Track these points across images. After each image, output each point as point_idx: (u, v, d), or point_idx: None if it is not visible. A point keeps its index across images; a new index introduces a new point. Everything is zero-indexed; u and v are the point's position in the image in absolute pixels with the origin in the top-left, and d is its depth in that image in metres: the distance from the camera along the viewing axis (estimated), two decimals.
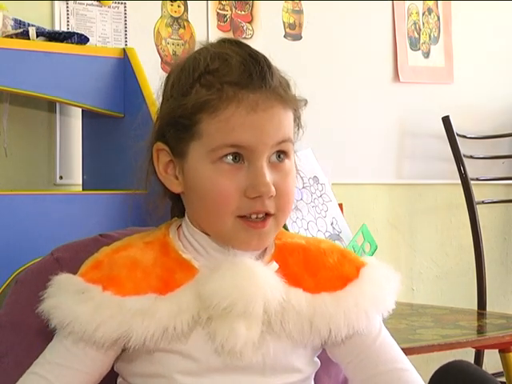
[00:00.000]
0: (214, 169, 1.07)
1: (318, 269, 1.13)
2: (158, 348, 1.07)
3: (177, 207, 1.18)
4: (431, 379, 1.06)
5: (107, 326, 1.04)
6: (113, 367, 1.14)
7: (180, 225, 1.16)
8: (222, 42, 1.12)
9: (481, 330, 2.35)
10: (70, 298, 1.07)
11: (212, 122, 1.06)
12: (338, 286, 1.11)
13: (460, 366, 1.04)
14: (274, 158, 1.09)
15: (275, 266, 1.10)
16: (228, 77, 1.07)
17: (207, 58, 1.09)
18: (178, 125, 1.09)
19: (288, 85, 1.12)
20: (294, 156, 1.13)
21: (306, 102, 1.15)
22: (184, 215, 1.16)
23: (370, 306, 1.11)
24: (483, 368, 3.17)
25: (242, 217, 1.07)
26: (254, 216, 1.07)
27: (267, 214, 1.08)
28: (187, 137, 1.09)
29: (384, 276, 1.15)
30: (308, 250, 1.15)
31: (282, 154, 1.10)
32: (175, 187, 1.13)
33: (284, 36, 2.99)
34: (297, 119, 1.14)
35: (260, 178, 1.06)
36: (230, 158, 1.07)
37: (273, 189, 1.06)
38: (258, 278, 1.05)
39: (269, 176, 1.07)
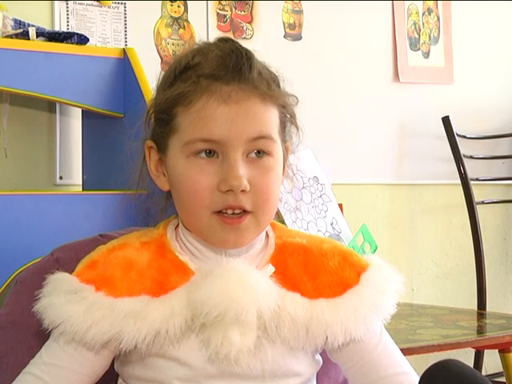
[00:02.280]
0: (188, 163, 1.06)
1: (318, 272, 1.11)
2: (151, 353, 1.06)
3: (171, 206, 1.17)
4: (421, 378, 1.05)
5: (98, 327, 1.03)
6: (113, 366, 1.13)
7: (178, 224, 1.15)
8: (217, 40, 1.11)
9: (481, 330, 2.35)
10: (63, 298, 1.05)
11: (186, 114, 1.06)
12: (337, 292, 1.09)
13: (451, 365, 1.04)
14: (252, 154, 1.07)
15: (271, 269, 1.08)
16: (205, 70, 1.06)
17: (189, 55, 1.09)
18: (160, 120, 1.10)
19: (274, 81, 1.10)
20: (281, 154, 1.10)
21: (297, 99, 1.13)
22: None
23: (369, 314, 1.09)
24: (483, 368, 3.17)
25: (217, 213, 1.06)
26: (229, 211, 1.05)
27: (245, 211, 1.06)
28: (166, 131, 1.09)
29: (386, 279, 1.14)
30: (309, 251, 1.13)
31: (261, 152, 1.07)
32: (163, 185, 1.13)
33: (284, 36, 2.99)
34: (289, 117, 1.12)
35: (231, 171, 1.04)
36: (203, 154, 1.05)
37: (244, 183, 1.04)
38: (250, 285, 1.03)
39: (243, 170, 1.05)
